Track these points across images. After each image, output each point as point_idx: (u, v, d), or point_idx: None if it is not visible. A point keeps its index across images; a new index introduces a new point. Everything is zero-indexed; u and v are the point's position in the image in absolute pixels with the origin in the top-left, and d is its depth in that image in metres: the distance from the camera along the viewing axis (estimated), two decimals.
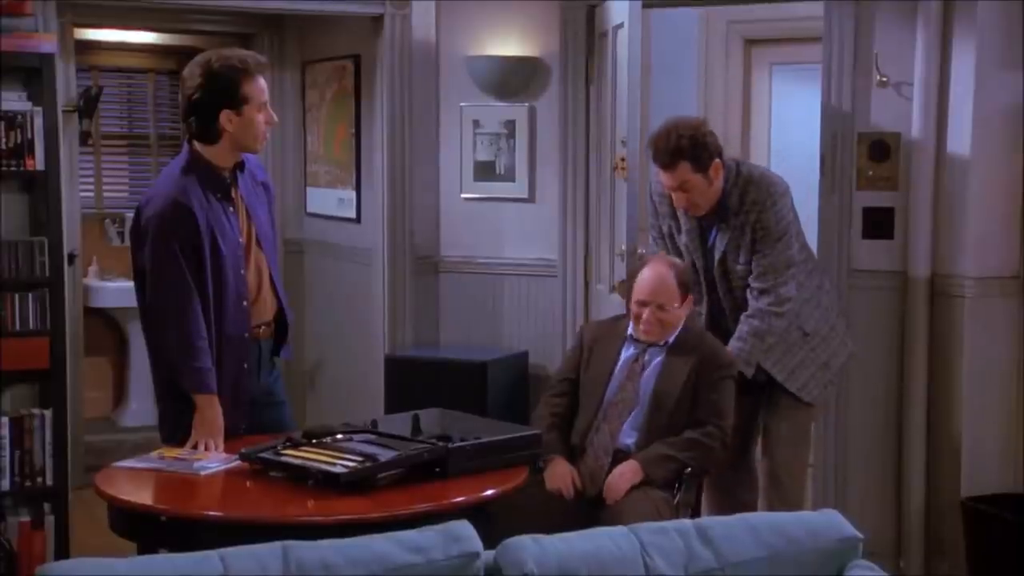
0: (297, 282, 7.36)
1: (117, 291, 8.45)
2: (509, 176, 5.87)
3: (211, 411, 3.84)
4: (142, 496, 3.50)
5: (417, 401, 5.55)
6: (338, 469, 3.37)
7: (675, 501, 4.09)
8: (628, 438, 4.18)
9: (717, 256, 4.50)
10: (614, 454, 4.16)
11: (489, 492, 3.51)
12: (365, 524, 3.13)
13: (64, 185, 6.68)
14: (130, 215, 8.28)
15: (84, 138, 6.86)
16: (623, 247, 4.60)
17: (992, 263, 5.04)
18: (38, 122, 4.99)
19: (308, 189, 7.24)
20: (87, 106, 6.83)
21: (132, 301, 8.34)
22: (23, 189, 5.23)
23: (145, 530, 3.41)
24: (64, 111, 6.71)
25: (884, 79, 5.16)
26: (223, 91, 3.87)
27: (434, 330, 6.05)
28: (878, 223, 5.24)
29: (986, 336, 5.03)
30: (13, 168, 5.02)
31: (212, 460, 3.64)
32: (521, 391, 5.82)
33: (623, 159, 4.64)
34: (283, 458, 3.50)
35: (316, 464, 3.42)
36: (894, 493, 5.24)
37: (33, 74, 5.07)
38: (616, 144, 4.95)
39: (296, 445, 3.59)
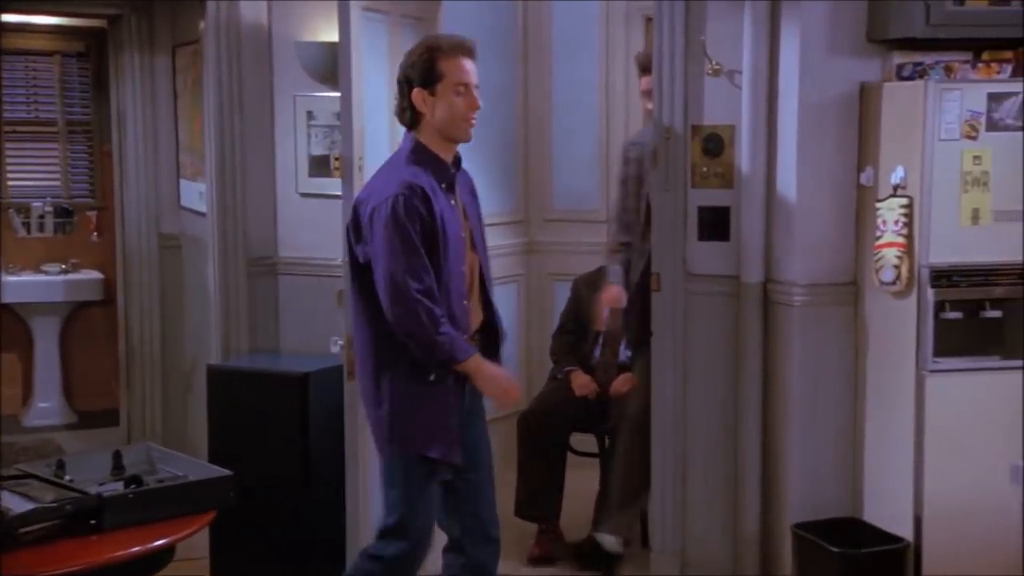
0: (176, 280, 7.01)
1: (21, 285, 8.14)
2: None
3: (488, 367, 3.80)
4: None
5: (238, 416, 5.22)
6: None
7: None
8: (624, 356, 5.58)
9: None
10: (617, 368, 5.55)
11: (157, 543, 3.15)
12: None
13: None
14: (37, 204, 8.23)
15: None
16: None
17: (824, 268, 4.58)
18: None
19: (181, 181, 6.87)
20: None
21: (38, 295, 8.14)
22: None
23: None
24: None
25: (717, 66, 4.72)
26: (415, 68, 3.83)
27: (274, 336, 5.67)
28: (713, 224, 4.81)
29: (817, 349, 4.58)
30: None
31: None
32: None
33: (337, 157, 4.28)
34: None
35: None
36: (732, 513, 4.83)
37: None
38: None
39: None
